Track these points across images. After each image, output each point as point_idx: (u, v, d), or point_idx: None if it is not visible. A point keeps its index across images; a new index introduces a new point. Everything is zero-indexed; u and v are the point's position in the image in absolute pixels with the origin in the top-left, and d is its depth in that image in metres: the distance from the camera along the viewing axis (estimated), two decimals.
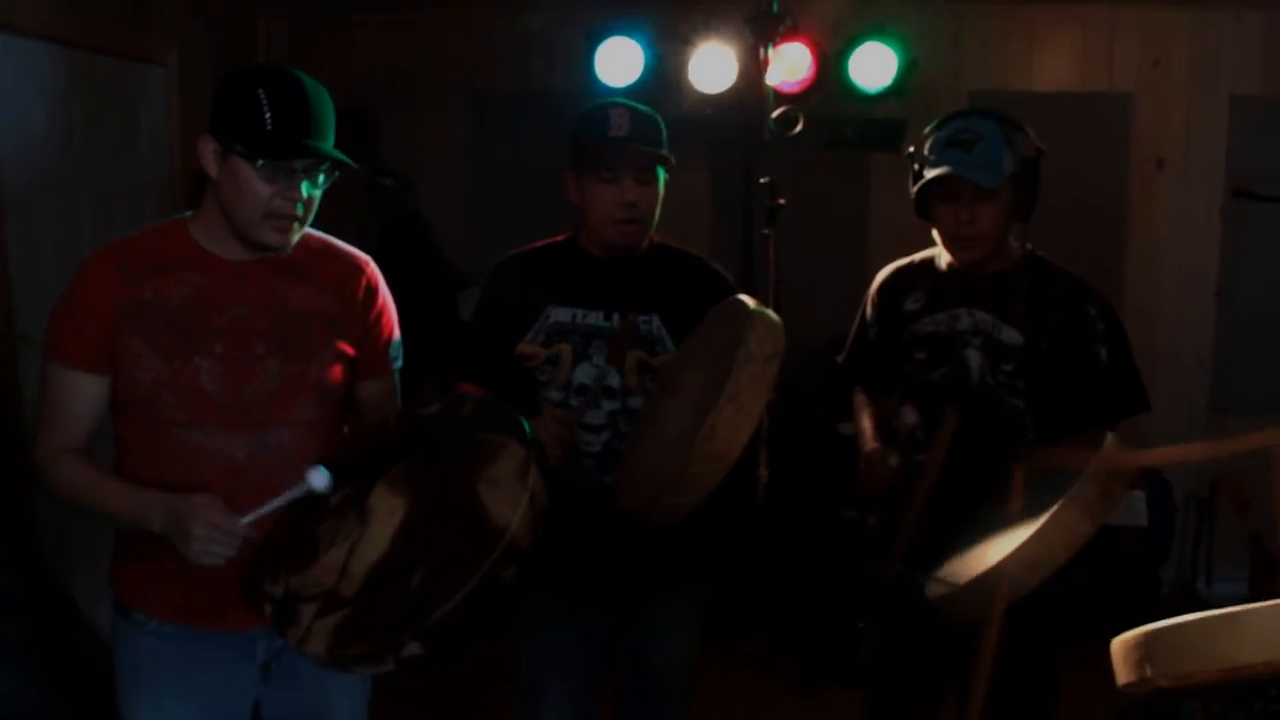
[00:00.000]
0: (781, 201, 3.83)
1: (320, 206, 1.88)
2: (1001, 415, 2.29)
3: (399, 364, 2.10)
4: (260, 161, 1.76)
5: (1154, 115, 4.72)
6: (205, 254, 1.88)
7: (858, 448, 2.48)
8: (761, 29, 4.06)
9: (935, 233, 2.36)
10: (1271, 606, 1.35)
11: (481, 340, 2.36)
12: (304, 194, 1.81)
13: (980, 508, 2.13)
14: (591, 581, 2.28)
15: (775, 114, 4.02)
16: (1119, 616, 1.52)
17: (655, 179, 2.22)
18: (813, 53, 4.05)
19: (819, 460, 4.22)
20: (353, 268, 2.02)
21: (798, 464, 4.25)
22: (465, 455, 1.78)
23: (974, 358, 2.31)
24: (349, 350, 1.98)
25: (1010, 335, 2.29)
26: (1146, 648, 1.39)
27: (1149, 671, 1.37)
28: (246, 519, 1.70)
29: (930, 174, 2.25)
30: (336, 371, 1.96)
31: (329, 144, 1.81)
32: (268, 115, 1.74)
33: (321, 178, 1.84)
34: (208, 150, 1.81)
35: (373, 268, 2.05)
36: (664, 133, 2.24)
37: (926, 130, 2.34)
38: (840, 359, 2.66)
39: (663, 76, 4.15)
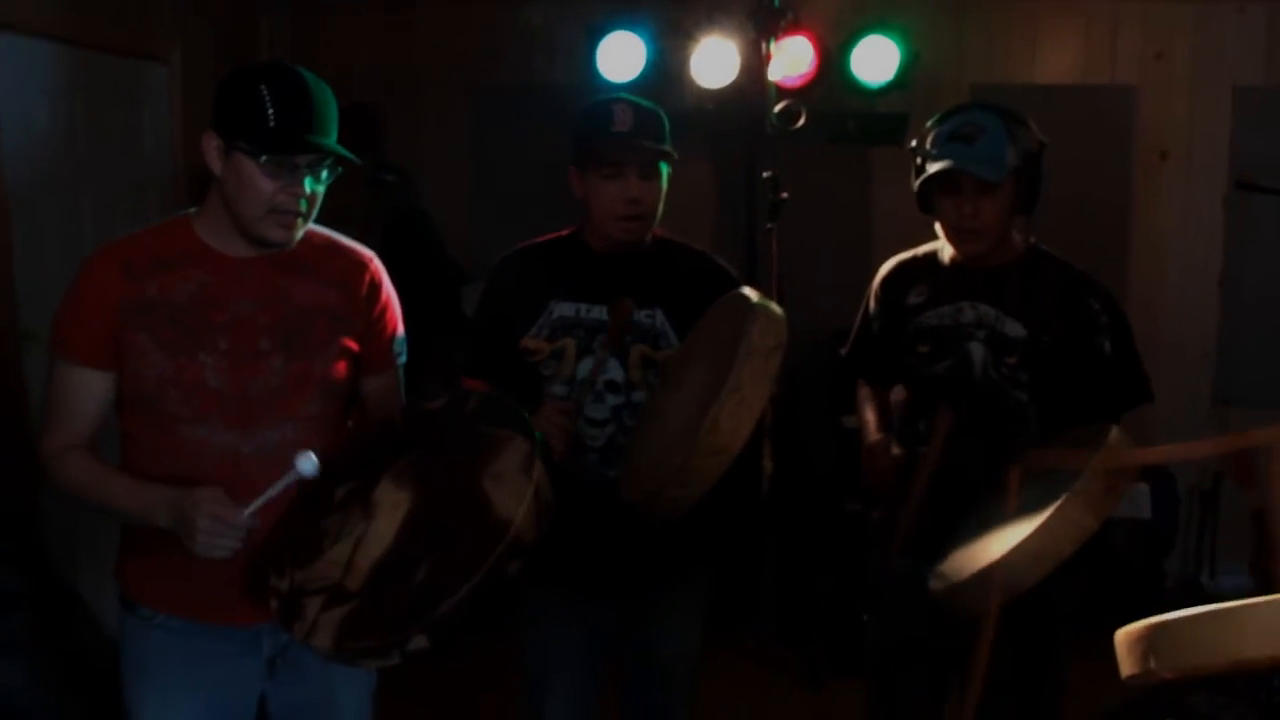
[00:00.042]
0: (784, 196, 3.83)
1: (323, 203, 1.89)
2: (1005, 408, 2.30)
3: (403, 359, 2.11)
4: (264, 157, 1.77)
5: (1157, 107, 4.71)
6: (209, 251, 1.89)
7: (861, 441, 2.49)
8: (763, 23, 4.06)
9: (938, 226, 2.36)
10: (1276, 600, 1.35)
11: (486, 335, 2.36)
12: (307, 190, 1.82)
13: (983, 501, 2.13)
14: (596, 575, 2.29)
15: (777, 108, 4.02)
16: (1123, 609, 1.52)
17: (658, 174, 2.22)
18: (814, 47, 4.04)
19: (823, 454, 4.22)
20: (356, 263, 2.02)
21: (801, 457, 4.25)
22: (470, 449, 1.78)
23: (977, 351, 2.31)
24: (353, 346, 1.98)
25: (1013, 328, 2.29)
26: (1151, 640, 1.39)
27: (1153, 664, 1.38)
28: (248, 510, 1.72)
29: (932, 168, 2.25)
30: (341, 367, 1.96)
31: (332, 140, 1.82)
32: (271, 112, 1.75)
33: (325, 173, 1.85)
34: (211, 147, 1.82)
35: (376, 263, 2.05)
36: (667, 128, 2.24)
37: (928, 124, 2.34)
38: (843, 352, 2.66)
39: (664, 71, 4.15)
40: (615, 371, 2.23)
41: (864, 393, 2.58)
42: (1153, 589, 4.31)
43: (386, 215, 4.66)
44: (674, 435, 1.93)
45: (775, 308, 1.92)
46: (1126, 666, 1.42)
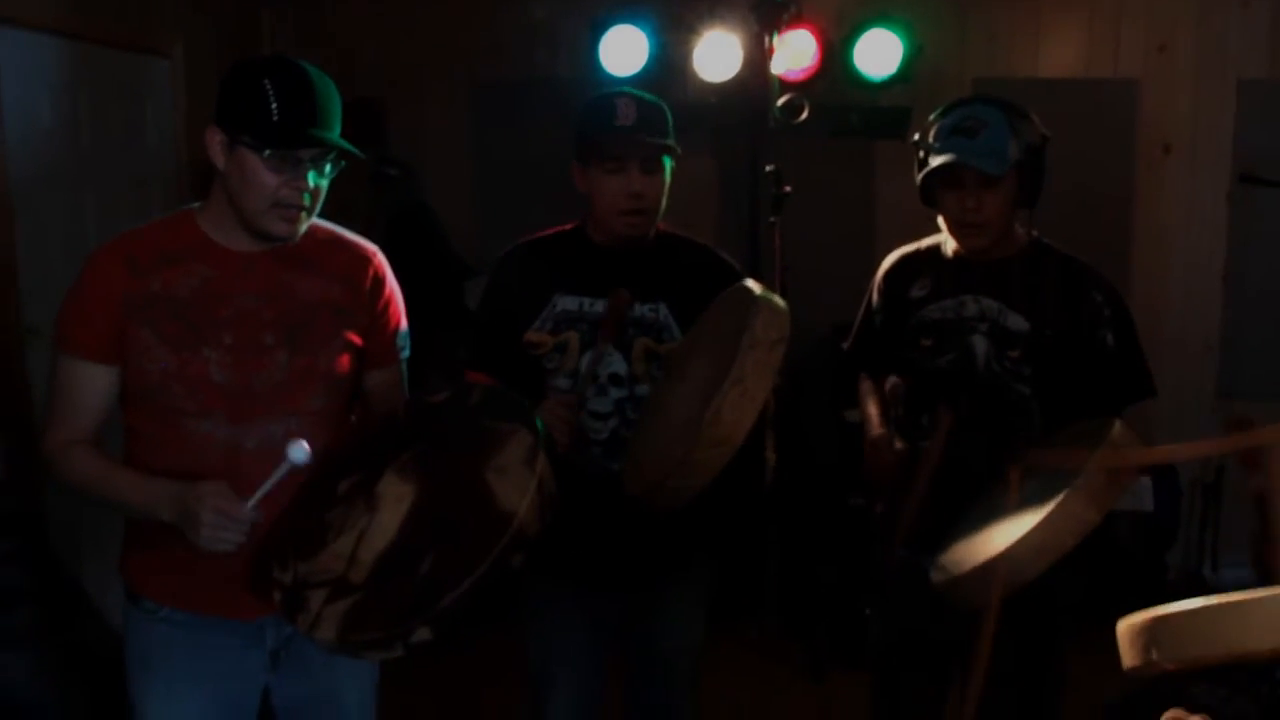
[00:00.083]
0: (787, 189, 3.83)
1: (326, 197, 1.89)
2: (1007, 402, 2.30)
3: (406, 353, 2.11)
4: (267, 152, 1.77)
5: (1160, 101, 4.70)
6: (213, 245, 1.89)
7: (863, 435, 2.49)
8: (766, 16, 4.06)
9: (941, 220, 2.36)
10: (1277, 592, 1.35)
11: (489, 329, 2.37)
12: (311, 184, 1.82)
13: (985, 493, 2.13)
14: (600, 568, 2.29)
15: (780, 102, 4.02)
16: (1125, 602, 1.52)
17: (662, 168, 2.22)
18: (817, 40, 4.04)
19: (825, 447, 4.22)
20: (360, 258, 2.02)
21: (804, 451, 4.25)
22: (473, 442, 1.78)
23: (980, 344, 2.31)
24: (356, 340, 1.99)
25: (1016, 322, 2.29)
26: (1153, 632, 1.39)
27: (1155, 656, 1.37)
28: (250, 503, 1.73)
29: (935, 162, 2.25)
30: (344, 361, 1.97)
31: (335, 134, 1.82)
32: (274, 106, 1.75)
33: (328, 168, 1.85)
34: (215, 141, 1.82)
35: (380, 258, 2.05)
36: (670, 122, 2.24)
37: (931, 118, 2.34)
38: (846, 346, 2.66)
39: (667, 65, 4.15)
40: (619, 365, 2.24)
41: (866, 386, 2.58)
42: (1155, 582, 4.31)
43: (390, 209, 4.67)
44: (677, 427, 1.94)
45: (779, 300, 1.92)
46: (1128, 658, 1.42)
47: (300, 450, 1.75)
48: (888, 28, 4.02)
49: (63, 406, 1.89)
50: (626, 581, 2.33)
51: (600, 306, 2.24)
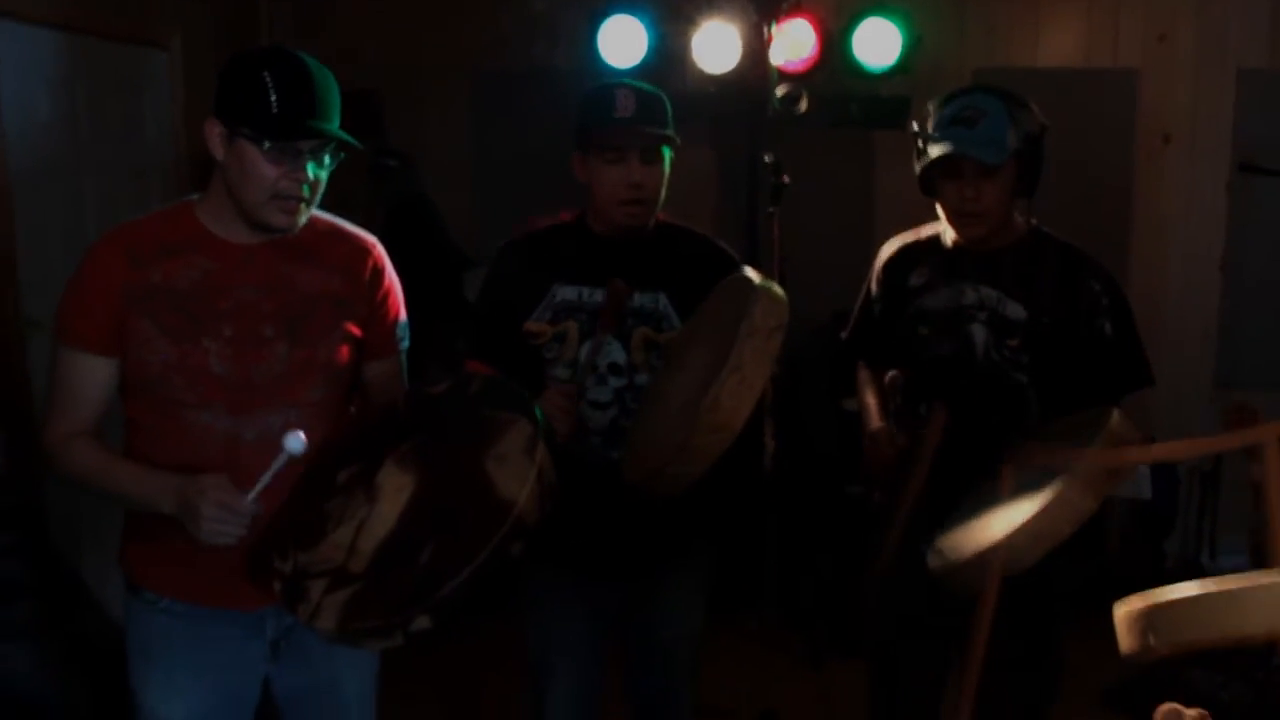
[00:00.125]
0: (786, 179, 3.82)
1: (325, 188, 1.89)
2: (1005, 390, 2.30)
3: (405, 344, 2.11)
4: (266, 143, 1.77)
5: (1160, 90, 4.70)
6: (212, 238, 1.89)
7: (862, 424, 2.50)
8: (765, 7, 4.05)
9: (940, 209, 2.36)
10: (1275, 577, 1.36)
11: (489, 319, 2.37)
12: (310, 175, 1.82)
13: (982, 481, 2.14)
14: (599, 556, 2.30)
15: (779, 92, 4.01)
16: (1123, 590, 1.53)
17: (661, 159, 2.22)
18: (816, 30, 4.03)
19: (824, 436, 4.23)
20: (359, 249, 2.02)
21: (803, 440, 4.26)
22: (473, 432, 1.79)
23: (979, 333, 2.32)
24: (356, 331, 1.99)
25: (1015, 310, 2.29)
26: (1150, 617, 1.39)
27: (1152, 641, 1.38)
28: (250, 495, 1.73)
29: (934, 151, 2.25)
30: (344, 353, 1.97)
31: (334, 125, 1.82)
32: (273, 98, 1.75)
33: (327, 159, 1.85)
34: (214, 133, 1.82)
35: (379, 249, 2.06)
36: (669, 112, 2.24)
37: (930, 106, 2.34)
38: (844, 335, 2.67)
39: (666, 56, 4.14)
40: (618, 354, 2.24)
41: (864, 376, 2.58)
42: (1153, 569, 4.33)
43: (388, 201, 4.66)
44: (675, 414, 1.94)
45: (777, 289, 1.93)
46: (1125, 643, 1.43)
47: (297, 441, 1.75)
48: (887, 18, 4.01)
49: (63, 399, 1.89)
50: (626, 570, 2.33)
51: (600, 296, 2.25)
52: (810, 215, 4.26)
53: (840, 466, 4.08)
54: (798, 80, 4.02)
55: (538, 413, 1.76)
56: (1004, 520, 1.88)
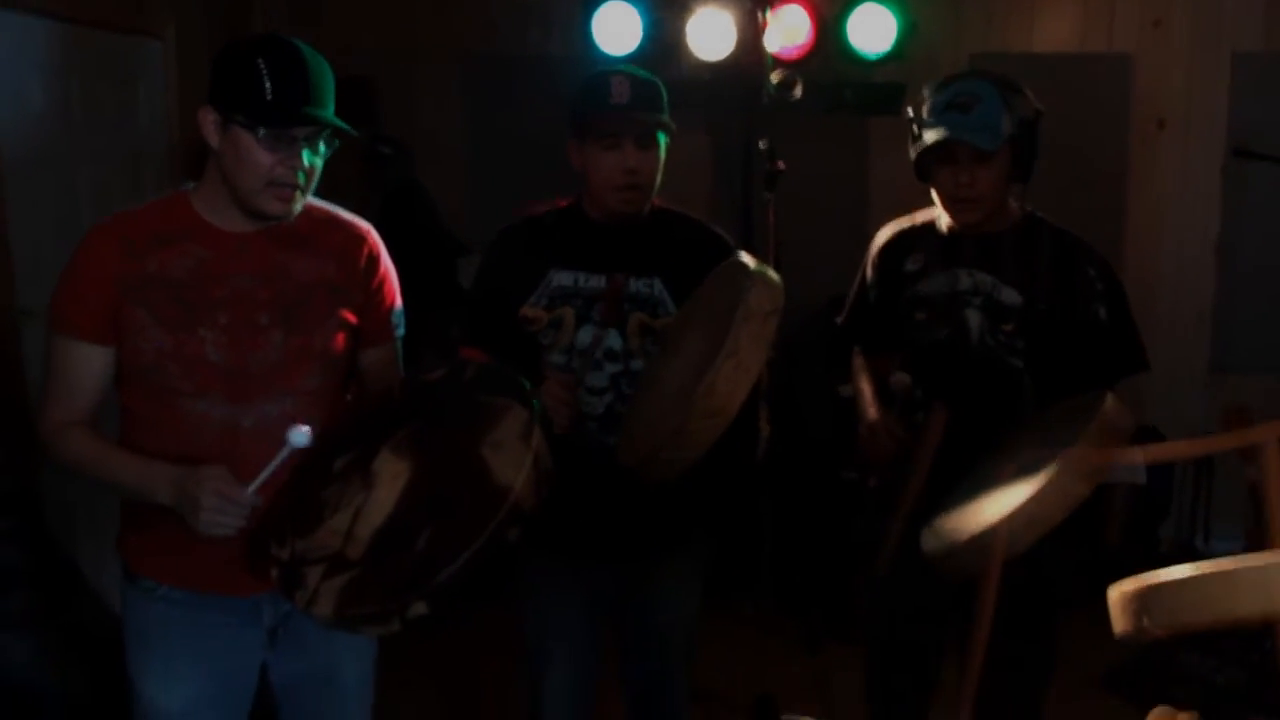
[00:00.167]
0: (781, 166, 3.82)
1: (320, 175, 1.89)
2: (1001, 375, 2.31)
3: (401, 332, 2.11)
4: (261, 131, 1.77)
5: (1155, 75, 4.70)
6: (207, 226, 1.89)
7: (857, 410, 2.50)
8: None
9: (934, 194, 2.37)
10: (1268, 559, 1.36)
11: (484, 305, 2.37)
12: (305, 162, 1.82)
13: (977, 464, 2.14)
14: (595, 541, 2.31)
15: (774, 78, 4.00)
16: (1118, 574, 1.54)
17: (656, 145, 2.22)
18: (811, 17, 4.03)
19: (819, 421, 4.24)
20: (355, 236, 2.02)
21: (798, 425, 4.27)
22: (468, 418, 1.79)
23: (974, 318, 2.32)
24: (351, 319, 1.99)
25: (1010, 296, 2.30)
26: (1144, 599, 1.40)
27: (1146, 622, 1.39)
28: (251, 488, 1.73)
29: (929, 137, 2.25)
30: (339, 341, 1.97)
31: (329, 112, 1.82)
32: (268, 85, 1.75)
33: (322, 146, 1.85)
34: (208, 121, 1.81)
35: (374, 236, 2.05)
36: (664, 98, 2.24)
37: (924, 92, 2.34)
38: (840, 320, 2.67)
39: (661, 42, 4.13)
40: (614, 340, 2.24)
41: (859, 362, 2.58)
42: (1147, 553, 4.34)
43: (383, 188, 4.66)
44: (671, 399, 1.95)
45: (772, 273, 1.93)
46: (1119, 624, 1.44)
47: (301, 435, 1.75)
48: (882, 4, 4.00)
49: (58, 388, 1.89)
50: (621, 554, 2.34)
51: (595, 282, 2.25)
52: (805, 201, 4.25)
53: (835, 451, 4.09)
54: (792, 67, 4.01)
55: (533, 398, 1.76)
56: (999, 504, 1.89)
